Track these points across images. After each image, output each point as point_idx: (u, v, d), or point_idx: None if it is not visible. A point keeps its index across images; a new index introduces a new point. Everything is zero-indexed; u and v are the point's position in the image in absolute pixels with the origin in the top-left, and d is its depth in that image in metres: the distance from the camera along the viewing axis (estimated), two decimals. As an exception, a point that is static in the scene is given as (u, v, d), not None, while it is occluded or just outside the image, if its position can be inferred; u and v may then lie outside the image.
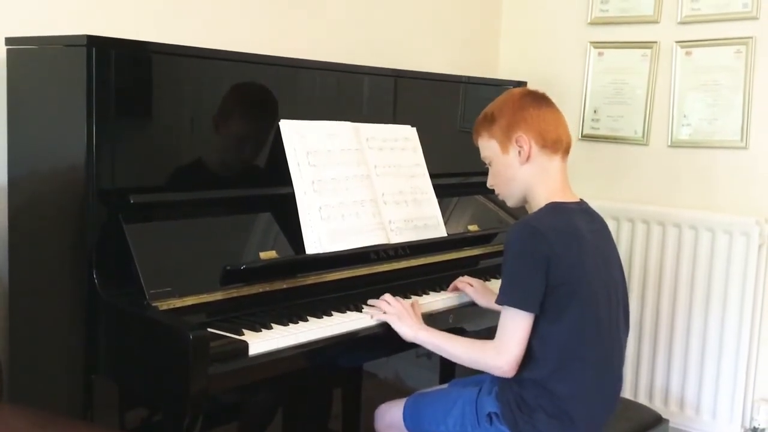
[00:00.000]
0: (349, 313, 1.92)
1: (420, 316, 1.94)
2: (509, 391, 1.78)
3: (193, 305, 1.74)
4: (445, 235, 2.32)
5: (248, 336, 1.69)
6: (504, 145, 1.84)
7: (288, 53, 2.19)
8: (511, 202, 1.92)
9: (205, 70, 1.94)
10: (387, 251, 2.17)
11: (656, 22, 2.95)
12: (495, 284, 2.20)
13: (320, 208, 2.02)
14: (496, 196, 1.94)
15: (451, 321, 2.08)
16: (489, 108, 1.89)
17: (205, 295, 1.76)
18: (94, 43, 1.70)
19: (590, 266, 1.75)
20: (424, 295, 2.11)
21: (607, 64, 3.09)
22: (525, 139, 1.81)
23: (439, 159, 2.40)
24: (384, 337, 1.91)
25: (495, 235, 2.48)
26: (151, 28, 2.19)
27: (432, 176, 2.35)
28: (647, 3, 2.96)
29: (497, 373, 1.76)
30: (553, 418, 1.74)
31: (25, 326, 1.95)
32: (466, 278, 2.17)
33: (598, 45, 3.11)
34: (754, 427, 2.79)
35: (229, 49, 1.99)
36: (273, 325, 1.76)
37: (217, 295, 1.79)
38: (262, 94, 2.08)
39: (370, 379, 2.60)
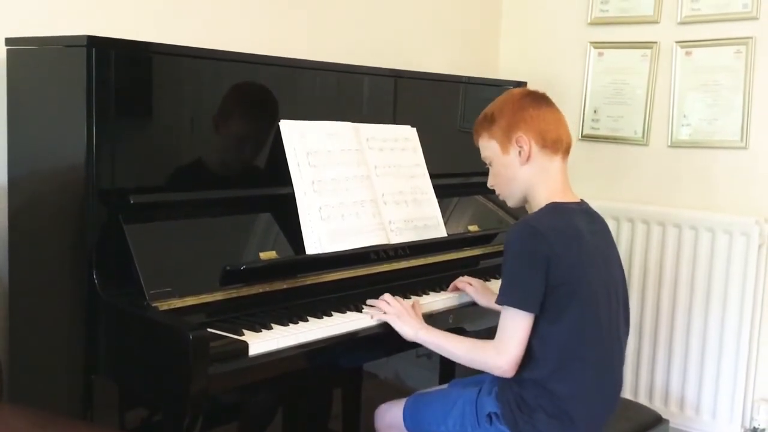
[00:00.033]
0: (349, 313, 1.92)
1: (421, 316, 1.94)
2: (509, 391, 1.78)
3: (193, 305, 1.74)
4: (445, 235, 2.32)
5: (248, 336, 1.69)
6: (504, 146, 1.84)
7: (288, 53, 2.19)
8: (511, 203, 1.92)
9: (205, 70, 1.94)
10: (387, 251, 2.17)
11: (656, 22, 2.95)
12: (495, 284, 2.20)
13: (320, 208, 2.02)
14: (497, 196, 1.94)
15: (451, 321, 2.08)
16: (489, 108, 1.89)
17: (205, 296, 1.76)
18: (94, 43, 1.70)
19: (590, 266, 1.75)
20: (424, 296, 2.11)
21: (607, 64, 3.09)
22: (525, 140, 1.81)
23: (439, 159, 2.40)
24: (384, 337, 1.91)
25: (495, 235, 2.48)
26: (151, 29, 2.19)
27: (432, 176, 2.35)
28: (647, 3, 2.96)
29: (497, 372, 1.76)
30: (553, 418, 1.74)
31: (25, 326, 1.95)
32: (466, 278, 2.17)
33: (598, 45, 3.11)
34: (754, 428, 2.79)
35: (229, 49, 1.99)
36: (273, 325, 1.76)
37: (217, 296, 1.79)
38: (262, 94, 2.08)
39: (370, 380, 2.60)
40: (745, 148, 2.78)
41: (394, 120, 2.39)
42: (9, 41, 1.88)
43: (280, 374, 1.76)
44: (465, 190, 2.53)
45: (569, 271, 1.71)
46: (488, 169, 1.92)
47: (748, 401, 2.78)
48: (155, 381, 1.66)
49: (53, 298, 1.86)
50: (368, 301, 1.97)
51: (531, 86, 2.11)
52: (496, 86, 2.72)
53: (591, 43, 3.12)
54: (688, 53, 2.89)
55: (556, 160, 1.84)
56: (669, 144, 2.95)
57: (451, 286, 2.17)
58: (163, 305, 1.68)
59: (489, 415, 1.81)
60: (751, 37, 2.75)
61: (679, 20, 2.90)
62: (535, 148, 1.81)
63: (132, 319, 1.69)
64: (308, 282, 1.98)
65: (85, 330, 1.74)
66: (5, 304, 1.98)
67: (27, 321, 1.94)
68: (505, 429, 1.78)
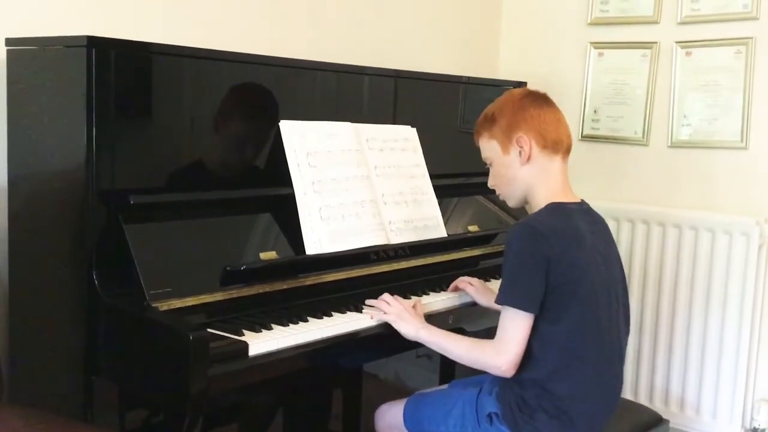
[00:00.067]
0: (349, 313, 1.92)
1: (422, 315, 1.94)
2: (509, 391, 1.78)
3: (193, 306, 1.74)
4: (445, 235, 2.32)
5: (248, 336, 1.69)
6: (504, 146, 1.84)
7: (288, 53, 2.19)
8: (512, 203, 1.92)
9: (205, 70, 1.94)
10: (387, 252, 2.17)
11: (656, 22, 2.95)
12: (495, 284, 2.20)
13: (320, 208, 2.02)
14: (497, 196, 1.94)
15: (451, 321, 2.08)
16: (489, 108, 1.89)
17: (205, 296, 1.76)
18: (94, 43, 1.70)
19: (590, 266, 1.75)
20: (424, 296, 2.11)
21: (607, 65, 3.09)
22: (525, 140, 1.81)
23: (439, 159, 2.40)
24: (384, 338, 1.91)
25: (495, 235, 2.47)
26: (152, 29, 2.19)
27: (432, 177, 2.35)
28: (647, 3, 2.96)
29: (497, 372, 1.76)
30: (554, 419, 1.74)
31: (25, 326, 1.95)
32: (467, 278, 2.17)
33: (598, 45, 3.11)
34: (755, 428, 2.79)
35: (229, 49, 1.99)
36: (273, 325, 1.76)
37: (218, 296, 1.79)
38: (262, 94, 2.08)
39: (370, 380, 2.60)
40: (745, 148, 2.78)
41: (394, 120, 2.39)
42: (9, 41, 1.88)
43: (280, 375, 1.76)
44: (465, 191, 2.53)
45: (569, 271, 1.71)
46: (488, 169, 1.92)
47: (748, 401, 2.78)
48: (155, 381, 1.66)
49: (53, 299, 1.86)
50: (367, 302, 1.97)
51: (531, 86, 2.11)
52: (496, 86, 2.72)
53: (591, 43, 3.12)
54: (688, 53, 2.89)
55: (557, 161, 1.84)
56: (669, 144, 2.95)
57: (452, 286, 2.17)
58: (163, 305, 1.68)
59: (489, 415, 1.81)
60: (751, 37, 2.75)
61: (679, 20, 2.90)
62: (535, 149, 1.81)
63: (132, 319, 1.69)
64: (308, 282, 1.98)
65: (85, 330, 1.74)
66: (5, 304, 1.98)
67: (27, 321, 1.94)
68: (506, 429, 1.78)
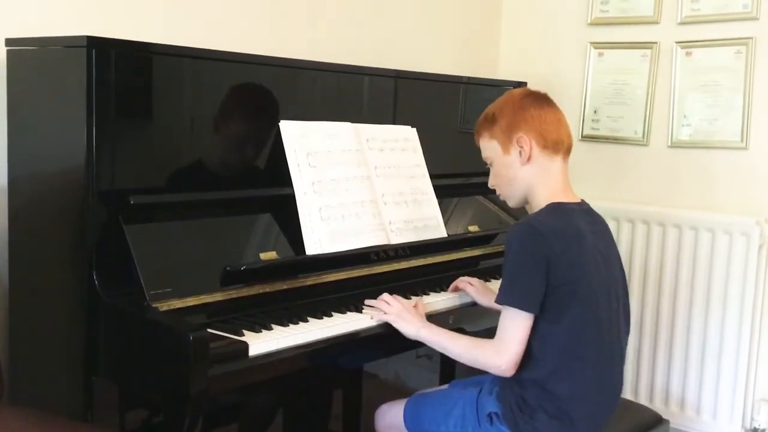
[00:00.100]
0: (349, 313, 1.92)
1: (423, 315, 1.94)
2: (510, 391, 1.78)
3: (193, 306, 1.74)
4: (446, 235, 2.32)
5: (248, 337, 1.69)
6: (505, 146, 1.84)
7: (288, 54, 2.19)
8: (512, 203, 1.92)
9: (205, 70, 1.94)
10: (387, 252, 2.17)
11: (656, 22, 2.95)
12: (495, 284, 2.20)
13: (320, 208, 2.02)
14: (497, 196, 1.94)
15: (451, 321, 2.08)
16: (490, 108, 1.89)
17: (205, 296, 1.76)
18: (94, 44, 1.70)
19: (590, 267, 1.75)
20: (425, 296, 2.11)
21: (607, 65, 3.09)
22: (526, 140, 1.81)
23: (439, 159, 2.40)
24: (384, 338, 1.91)
25: (495, 235, 2.47)
26: (152, 29, 2.19)
27: (432, 177, 2.35)
28: (647, 3, 2.96)
29: (497, 372, 1.76)
30: (554, 419, 1.74)
31: (25, 326, 1.95)
32: (467, 278, 2.17)
33: (599, 45, 3.11)
34: (755, 428, 2.79)
35: (229, 49, 1.99)
36: (273, 325, 1.76)
37: (218, 296, 1.79)
38: (262, 94, 2.08)
39: (370, 380, 2.60)
40: (745, 148, 2.78)
41: (394, 120, 2.39)
42: (9, 42, 1.88)
43: (280, 375, 1.76)
44: (465, 191, 2.54)
45: (569, 271, 1.71)
46: (488, 169, 1.92)
47: (748, 401, 2.78)
48: (155, 382, 1.66)
49: (53, 299, 1.86)
50: (367, 302, 1.96)
51: (531, 86, 2.11)
52: (496, 86, 2.72)
53: (591, 43, 3.12)
54: (688, 53, 2.89)
55: (557, 161, 1.84)
56: (669, 144, 2.95)
57: (452, 286, 2.17)
58: (164, 306, 1.68)
59: (489, 415, 1.81)
60: (751, 38, 2.75)
61: (679, 20, 2.90)
62: (535, 149, 1.81)
63: (132, 319, 1.69)
64: (308, 282, 1.98)
65: (85, 330, 1.74)
66: (5, 304, 1.98)
67: (27, 321, 1.94)
68: (506, 429, 1.78)
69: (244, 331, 1.70)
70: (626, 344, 1.89)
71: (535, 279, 1.70)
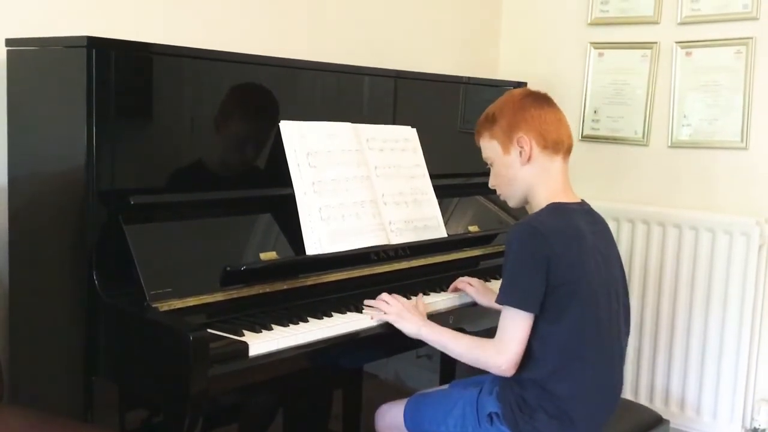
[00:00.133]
0: (349, 313, 1.92)
1: (424, 313, 1.94)
2: (510, 391, 1.78)
3: (193, 306, 1.73)
4: (446, 235, 2.32)
5: (248, 337, 1.69)
6: (505, 146, 1.84)
7: (288, 54, 2.19)
8: (512, 203, 1.92)
9: (205, 71, 1.94)
10: (387, 252, 2.17)
11: (656, 22, 2.95)
12: (495, 285, 2.20)
13: (320, 208, 2.02)
14: (497, 196, 1.94)
15: (451, 321, 2.08)
16: (490, 108, 1.89)
17: (205, 296, 1.76)
18: (94, 44, 1.70)
19: (591, 267, 1.75)
20: (425, 296, 2.11)
21: (607, 65, 3.09)
22: (526, 140, 1.81)
23: (439, 160, 2.40)
24: (384, 338, 1.91)
25: (495, 235, 2.47)
26: (152, 29, 2.19)
27: (432, 177, 2.35)
28: (647, 3, 2.96)
29: (497, 372, 1.76)
30: (554, 419, 1.74)
31: (25, 326, 1.95)
32: (466, 278, 2.17)
33: (599, 45, 3.11)
34: (755, 428, 2.79)
35: (229, 49, 1.99)
36: (273, 326, 1.76)
37: (218, 296, 1.79)
38: (262, 95, 2.08)
39: (370, 380, 2.60)
40: (745, 148, 2.78)
41: (394, 120, 2.39)
42: (9, 42, 1.88)
43: (280, 375, 1.76)
44: (465, 191, 2.53)
45: (569, 271, 1.71)
46: (488, 169, 1.92)
47: (748, 402, 2.78)
48: (155, 382, 1.66)
49: (53, 299, 1.86)
50: (366, 302, 1.96)
51: (531, 86, 2.11)
52: (496, 87, 2.72)
53: (591, 43, 3.12)
54: (688, 53, 2.89)
55: (557, 161, 1.84)
56: (669, 144, 2.95)
57: (451, 286, 2.16)
58: (164, 306, 1.68)
59: (490, 415, 1.81)
60: (751, 38, 2.75)
61: (679, 20, 2.90)
62: (536, 149, 1.81)
63: (132, 319, 1.69)
64: (308, 282, 1.98)
65: (85, 330, 1.74)
66: (5, 304, 1.98)
67: (27, 321, 1.94)
68: (506, 429, 1.78)
69: (244, 331, 1.70)
70: (626, 344, 1.89)
71: (535, 279, 1.70)
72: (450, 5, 3.14)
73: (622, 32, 3.05)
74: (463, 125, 2.63)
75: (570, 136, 1.87)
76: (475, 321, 2.14)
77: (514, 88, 2.28)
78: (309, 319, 1.85)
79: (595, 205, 1.91)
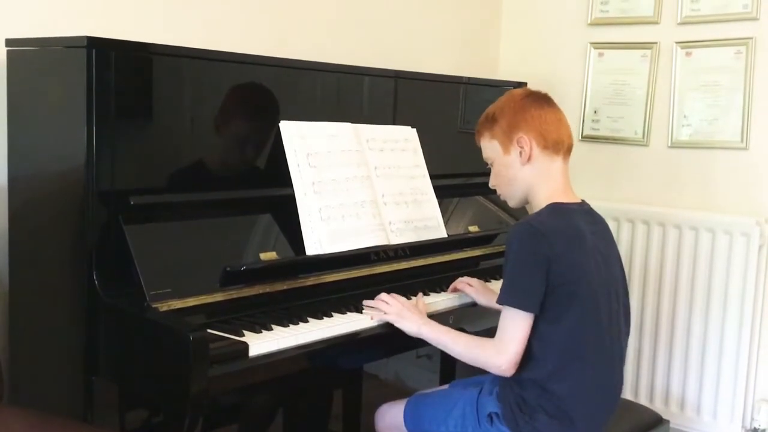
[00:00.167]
0: (349, 314, 1.92)
1: (424, 312, 1.94)
2: (510, 391, 1.78)
3: (193, 306, 1.73)
4: (446, 236, 2.32)
5: (248, 337, 1.69)
6: (505, 146, 1.84)
7: (288, 54, 2.19)
8: (512, 203, 1.92)
9: (205, 71, 1.94)
10: (387, 252, 2.17)
11: (656, 22, 2.95)
12: (495, 285, 2.20)
13: (320, 209, 2.02)
14: (497, 196, 1.94)
15: (451, 322, 2.07)
16: (491, 108, 1.89)
17: (205, 296, 1.76)
18: (94, 44, 1.70)
19: (591, 267, 1.75)
20: (425, 296, 2.11)
21: (607, 65, 3.09)
22: (526, 140, 1.81)
23: (439, 160, 2.40)
24: (384, 338, 1.91)
25: (495, 236, 2.47)
26: (152, 29, 2.19)
27: (432, 177, 2.35)
28: (647, 3, 2.96)
29: (496, 371, 1.76)
30: (554, 419, 1.74)
31: (25, 327, 1.95)
32: (466, 279, 2.17)
33: (598, 46, 3.11)
34: (755, 428, 2.79)
35: (229, 50, 1.99)
36: (273, 326, 1.76)
37: (218, 296, 1.79)
38: (262, 95, 2.08)
39: (370, 380, 2.60)
40: (745, 148, 2.78)
41: (394, 121, 2.39)
42: (9, 42, 1.88)
43: (280, 375, 1.76)
44: (465, 191, 2.53)
45: (569, 271, 1.71)
46: (488, 169, 1.92)
47: (748, 402, 2.78)
48: (155, 382, 1.66)
49: (53, 299, 1.86)
50: (365, 302, 1.96)
51: (531, 87, 2.11)
52: (496, 87, 2.72)
53: (591, 43, 3.12)
54: (688, 54, 2.89)
55: (557, 161, 1.84)
56: (669, 144, 2.95)
57: (451, 287, 2.16)
58: (164, 306, 1.68)
59: (490, 416, 1.81)
60: (751, 38, 2.75)
61: (679, 21, 2.90)
62: (536, 149, 1.81)
63: (132, 320, 1.69)
64: (308, 283, 1.98)
65: (85, 331, 1.74)
66: (5, 304, 1.98)
67: (27, 321, 1.94)
68: (506, 429, 1.78)
69: (244, 332, 1.70)
70: (626, 344, 1.89)
71: (535, 279, 1.70)
72: (450, 5, 3.14)
73: (622, 32, 3.05)
74: (463, 125, 2.63)
75: (570, 136, 1.87)
76: (475, 321, 2.14)
77: (514, 88, 2.28)
78: (309, 319, 1.85)
79: (595, 205, 1.91)
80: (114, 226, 1.73)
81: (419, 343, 1.90)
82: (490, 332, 1.82)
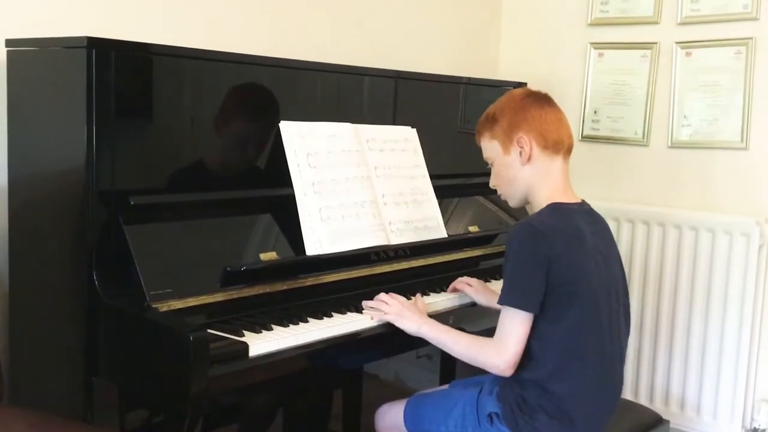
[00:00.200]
0: (349, 314, 1.92)
1: (424, 311, 1.94)
2: (510, 391, 1.78)
3: (193, 306, 1.73)
4: (446, 236, 2.32)
5: (248, 337, 1.69)
6: (505, 146, 1.84)
7: (288, 54, 2.19)
8: (513, 203, 1.92)
9: (205, 71, 1.94)
10: (387, 252, 2.17)
11: (656, 22, 2.95)
12: (494, 285, 2.20)
13: (320, 209, 2.02)
14: (497, 196, 1.94)
15: (451, 322, 2.07)
16: (491, 108, 1.90)
17: (205, 297, 1.76)
18: (94, 44, 1.70)
19: (591, 267, 1.75)
20: (425, 297, 2.11)
21: (607, 65, 3.09)
22: (526, 140, 1.81)
23: (439, 160, 2.40)
24: (384, 338, 1.91)
25: (495, 236, 2.47)
26: (152, 30, 2.19)
27: (432, 177, 2.35)
28: (647, 4, 2.96)
29: (495, 371, 1.76)
30: (554, 419, 1.74)
31: (25, 327, 1.95)
32: (465, 279, 2.17)
33: (598, 46, 3.11)
34: (755, 428, 2.79)
35: (229, 50, 1.99)
36: (273, 326, 1.76)
37: (218, 297, 1.79)
38: (262, 95, 2.08)
39: (370, 380, 2.60)
40: (745, 148, 2.78)
41: (394, 121, 2.39)
42: (9, 42, 1.88)
43: (280, 375, 1.76)
44: (465, 191, 2.53)
45: (569, 271, 1.71)
46: (488, 169, 1.92)
47: (748, 402, 2.78)
48: (155, 382, 1.66)
49: (53, 299, 1.86)
50: (364, 303, 1.96)
51: (531, 87, 2.11)
52: (496, 87, 2.72)
53: (591, 43, 3.12)
54: (688, 54, 2.89)
55: (558, 161, 1.84)
56: (669, 144, 2.95)
57: (450, 287, 2.16)
58: (164, 306, 1.68)
59: (490, 416, 1.81)
60: (751, 38, 2.75)
61: (679, 21, 2.90)
62: (536, 149, 1.81)
63: (132, 320, 1.69)
64: (308, 283, 1.98)
65: (85, 331, 1.73)
66: (5, 304, 1.98)
67: (27, 322, 1.94)
68: (506, 429, 1.78)
69: (244, 332, 1.70)
70: (626, 344, 1.89)
71: (535, 279, 1.70)
72: (450, 5, 3.14)
73: (622, 32, 3.05)
74: (463, 125, 2.63)
75: (570, 136, 1.87)
76: (475, 321, 2.14)
77: (514, 88, 2.28)
78: (309, 319, 1.85)
79: (595, 205, 1.91)
80: (114, 226, 1.73)
81: (419, 343, 1.90)
82: (490, 332, 1.82)
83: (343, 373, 2.49)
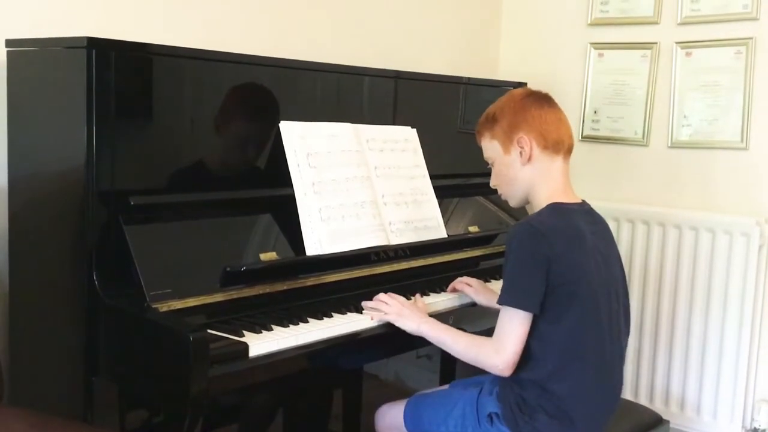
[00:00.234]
0: (349, 314, 1.92)
1: (424, 310, 1.94)
2: (510, 391, 1.78)
3: (193, 307, 1.73)
4: (446, 236, 2.32)
5: (248, 337, 1.69)
6: (506, 146, 1.84)
7: (288, 54, 2.19)
8: (513, 203, 1.92)
9: (205, 71, 1.94)
10: (387, 252, 2.17)
11: (656, 22, 2.95)
12: (494, 285, 2.20)
13: (320, 209, 2.02)
14: (497, 196, 1.95)
15: (451, 322, 2.07)
16: (491, 108, 1.90)
17: (205, 297, 1.76)
18: (94, 44, 1.70)
19: (591, 267, 1.75)
20: (425, 297, 2.11)
21: (607, 65, 3.09)
22: (526, 140, 1.81)
23: (439, 160, 2.40)
24: (384, 338, 1.91)
25: (495, 236, 2.47)
26: (152, 30, 2.19)
27: (432, 177, 2.35)
28: (647, 4, 2.96)
29: (494, 371, 1.76)
30: (554, 419, 1.74)
31: (25, 327, 1.95)
32: (465, 279, 2.17)
33: (598, 46, 3.11)
34: (755, 428, 2.79)
35: (229, 50, 1.99)
36: (273, 326, 1.76)
37: (218, 297, 1.79)
38: (262, 95, 2.08)
39: (370, 380, 2.60)
40: (745, 148, 2.78)
41: (394, 121, 2.39)
42: (9, 43, 1.88)
43: (280, 375, 1.76)
44: (465, 191, 2.53)
45: (569, 271, 1.71)
46: (488, 169, 1.92)
47: (748, 402, 2.78)
48: (155, 382, 1.66)
49: (53, 299, 1.86)
50: (364, 303, 1.96)
51: (531, 87, 2.11)
52: (496, 87, 2.72)
53: (591, 43, 3.12)
54: (688, 54, 2.89)
55: (558, 161, 1.84)
56: (669, 144, 2.95)
57: (450, 287, 2.17)
58: (164, 306, 1.68)
59: (490, 416, 1.81)
60: (751, 38, 2.75)
61: (679, 21, 2.90)
62: (536, 149, 1.81)
63: (132, 320, 1.69)
64: (308, 283, 1.98)
65: (85, 330, 1.74)
66: (5, 304, 1.98)
67: (27, 322, 1.94)
68: (506, 429, 1.78)
69: (244, 332, 1.70)
70: (626, 344, 1.89)
71: (535, 279, 1.70)
72: (450, 5, 3.14)
73: (622, 32, 3.04)
74: (463, 125, 2.63)
75: (571, 136, 1.87)
76: (475, 321, 2.14)
77: (514, 88, 2.28)
78: (309, 319, 1.85)
79: (595, 205, 1.91)
80: (114, 226, 1.73)
81: (419, 343, 1.90)
82: (490, 332, 1.82)
83: (343, 373, 2.49)
